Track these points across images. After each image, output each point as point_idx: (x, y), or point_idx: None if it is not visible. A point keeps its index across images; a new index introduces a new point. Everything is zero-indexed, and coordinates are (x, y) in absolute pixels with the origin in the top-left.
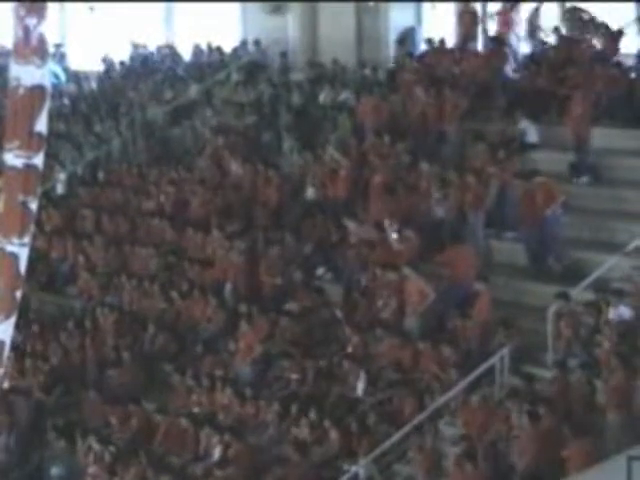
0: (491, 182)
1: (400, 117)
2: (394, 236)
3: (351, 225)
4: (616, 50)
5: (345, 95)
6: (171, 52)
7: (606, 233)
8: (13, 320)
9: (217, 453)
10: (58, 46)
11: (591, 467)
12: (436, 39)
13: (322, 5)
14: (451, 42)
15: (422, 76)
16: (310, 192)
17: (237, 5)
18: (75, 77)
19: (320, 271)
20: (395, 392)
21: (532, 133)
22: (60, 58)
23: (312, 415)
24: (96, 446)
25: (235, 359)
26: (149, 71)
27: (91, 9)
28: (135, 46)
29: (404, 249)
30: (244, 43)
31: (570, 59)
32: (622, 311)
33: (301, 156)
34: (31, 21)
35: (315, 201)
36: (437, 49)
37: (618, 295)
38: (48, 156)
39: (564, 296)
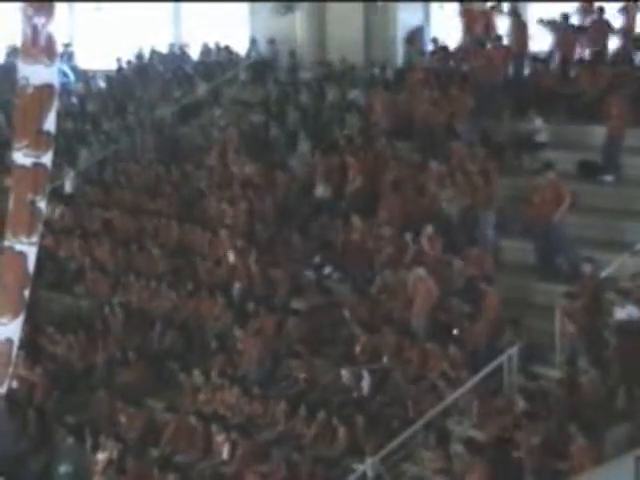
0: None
1: (408, 116)
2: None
3: None
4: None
5: (354, 94)
6: (180, 51)
7: (615, 232)
8: (21, 319)
9: (225, 451)
10: (66, 45)
11: (599, 467)
12: (442, 39)
13: (330, 4)
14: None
15: (430, 75)
16: (320, 190)
17: (245, 4)
18: (83, 76)
19: (327, 270)
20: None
21: (543, 132)
22: (68, 57)
23: (320, 414)
24: (104, 444)
25: (242, 358)
26: (158, 70)
27: (99, 8)
28: (139, 56)
29: (431, 251)
30: (254, 42)
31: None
32: (630, 310)
33: (312, 155)
34: (39, 20)
35: (325, 199)
36: (444, 48)
37: (626, 294)
38: (57, 155)
39: (571, 295)
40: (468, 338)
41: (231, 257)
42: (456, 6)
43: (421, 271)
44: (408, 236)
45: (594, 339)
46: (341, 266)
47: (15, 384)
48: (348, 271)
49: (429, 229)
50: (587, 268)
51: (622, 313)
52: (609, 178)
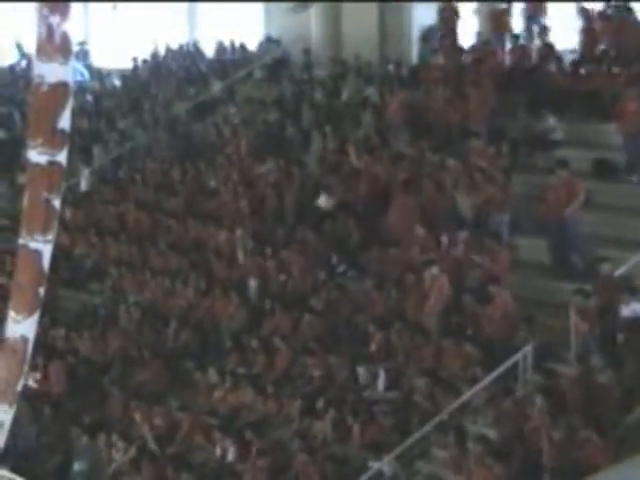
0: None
1: (423, 114)
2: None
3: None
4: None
5: (369, 91)
6: (195, 49)
7: (630, 230)
8: (36, 317)
9: (231, 454)
10: (81, 44)
11: (614, 465)
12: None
13: (345, 1)
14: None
15: (446, 73)
16: (323, 200)
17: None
18: (98, 74)
19: (341, 268)
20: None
21: (558, 130)
22: (83, 56)
23: (335, 412)
24: (119, 443)
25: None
26: (172, 68)
27: (114, 7)
28: (154, 55)
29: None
30: (269, 41)
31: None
32: (635, 307)
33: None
34: (54, 19)
35: (329, 210)
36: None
37: (631, 292)
38: (71, 153)
39: (582, 292)
40: (482, 336)
41: (240, 256)
42: (471, 4)
43: (434, 269)
44: (444, 237)
45: (606, 337)
46: (356, 263)
47: (31, 382)
48: (364, 269)
49: (463, 234)
50: (606, 267)
51: (627, 310)
52: (635, 178)
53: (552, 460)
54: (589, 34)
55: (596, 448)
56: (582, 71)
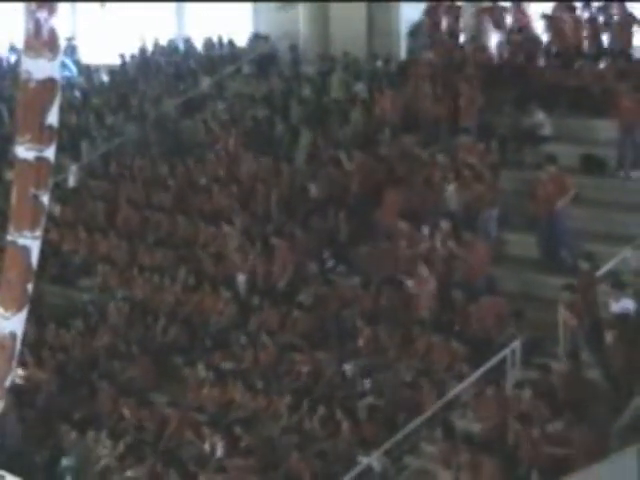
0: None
1: (412, 110)
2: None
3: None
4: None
5: (358, 87)
6: (184, 45)
7: (618, 226)
8: (25, 313)
9: (220, 450)
10: (69, 39)
11: (601, 460)
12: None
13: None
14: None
15: (434, 69)
16: (313, 189)
17: None
18: (86, 70)
19: (330, 264)
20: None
21: (546, 126)
22: (71, 51)
23: (323, 407)
24: (107, 439)
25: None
26: (160, 64)
27: (102, 6)
28: (142, 50)
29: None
30: (257, 36)
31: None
32: (624, 303)
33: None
34: (42, 14)
35: (320, 199)
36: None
37: (620, 288)
38: (59, 149)
39: (571, 288)
40: (470, 332)
41: (230, 252)
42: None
43: (423, 268)
44: (425, 230)
45: (592, 333)
46: (345, 259)
47: (19, 379)
48: (353, 265)
49: (445, 224)
50: (584, 264)
51: (616, 307)
52: (624, 173)
53: (538, 455)
54: (557, 33)
55: (584, 443)
56: (570, 66)
